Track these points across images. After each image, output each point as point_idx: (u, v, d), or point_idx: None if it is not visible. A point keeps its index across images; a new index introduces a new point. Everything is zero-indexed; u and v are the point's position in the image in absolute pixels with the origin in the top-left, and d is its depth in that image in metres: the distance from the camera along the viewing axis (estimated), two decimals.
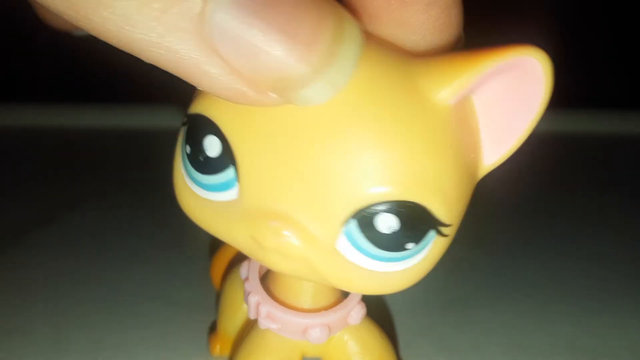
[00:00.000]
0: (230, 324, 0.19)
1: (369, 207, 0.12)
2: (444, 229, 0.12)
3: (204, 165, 0.12)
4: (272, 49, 0.09)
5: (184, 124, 0.13)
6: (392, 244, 0.12)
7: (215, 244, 0.26)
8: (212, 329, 0.21)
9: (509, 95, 0.12)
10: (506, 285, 0.25)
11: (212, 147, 0.12)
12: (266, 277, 0.17)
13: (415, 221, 0.12)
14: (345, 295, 0.16)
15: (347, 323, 0.16)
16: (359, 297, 0.16)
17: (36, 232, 0.29)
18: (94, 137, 0.43)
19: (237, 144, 0.12)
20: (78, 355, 0.20)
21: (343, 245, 0.12)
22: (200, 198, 0.13)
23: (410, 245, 0.12)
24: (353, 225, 0.12)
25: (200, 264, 0.25)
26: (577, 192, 0.34)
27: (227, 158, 0.12)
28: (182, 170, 0.13)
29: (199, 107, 0.13)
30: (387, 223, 0.12)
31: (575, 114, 0.44)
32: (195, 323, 0.22)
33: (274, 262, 0.13)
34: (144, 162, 0.38)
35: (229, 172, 0.12)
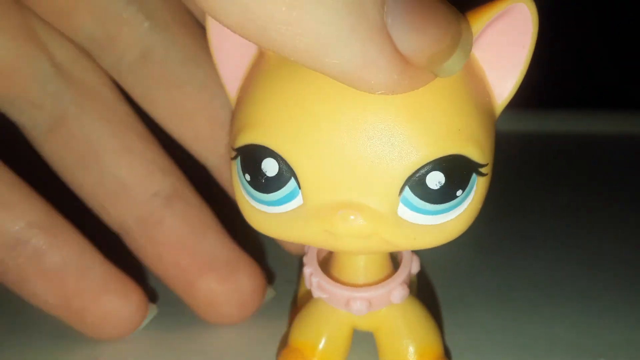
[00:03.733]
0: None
1: (416, 171, 0.14)
2: (482, 169, 0.14)
3: (266, 185, 0.14)
4: (431, 32, 0.12)
5: (234, 158, 0.15)
6: (444, 196, 0.14)
7: None
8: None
9: (503, 39, 0.14)
10: (505, 285, 0.25)
11: (270, 168, 0.14)
12: (327, 260, 0.19)
13: (457, 170, 0.14)
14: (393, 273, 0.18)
15: (390, 301, 0.17)
16: (402, 278, 0.18)
17: None
18: None
19: (292, 158, 0.14)
20: (78, 355, 0.20)
21: (403, 211, 0.14)
22: (269, 214, 0.15)
23: (459, 193, 0.14)
24: (407, 192, 0.14)
25: None
26: (577, 192, 0.34)
27: (286, 172, 0.14)
28: (246, 197, 0.15)
29: (245, 139, 0.14)
30: (436, 179, 0.14)
31: (574, 114, 0.44)
32: (196, 322, 0.22)
33: (348, 245, 0.15)
34: None
35: (291, 184, 0.14)
